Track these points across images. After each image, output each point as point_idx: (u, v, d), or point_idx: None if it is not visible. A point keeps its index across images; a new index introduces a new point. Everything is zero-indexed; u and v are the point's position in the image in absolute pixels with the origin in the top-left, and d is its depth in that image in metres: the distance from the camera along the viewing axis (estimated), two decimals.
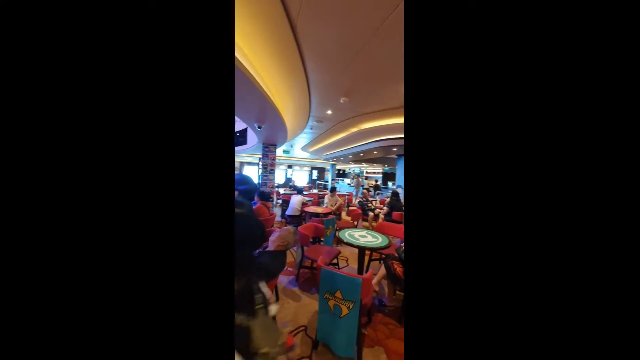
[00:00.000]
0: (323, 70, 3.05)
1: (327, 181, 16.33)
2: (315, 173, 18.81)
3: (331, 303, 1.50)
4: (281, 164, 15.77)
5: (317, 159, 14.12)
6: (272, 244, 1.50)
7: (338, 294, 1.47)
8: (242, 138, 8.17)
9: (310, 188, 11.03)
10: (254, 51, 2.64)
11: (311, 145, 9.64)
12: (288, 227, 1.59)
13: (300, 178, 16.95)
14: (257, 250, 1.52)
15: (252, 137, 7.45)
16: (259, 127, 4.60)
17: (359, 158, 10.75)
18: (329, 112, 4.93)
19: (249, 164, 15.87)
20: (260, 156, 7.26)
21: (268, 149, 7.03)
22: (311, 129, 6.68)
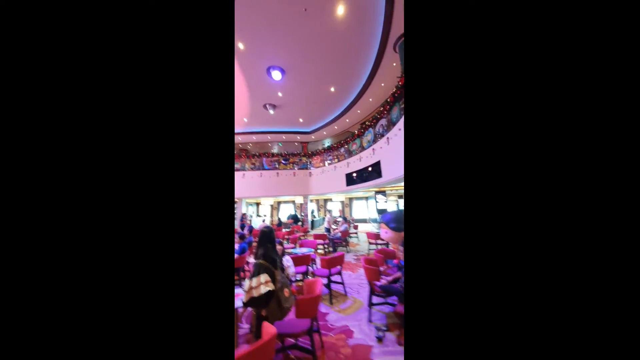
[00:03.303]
0: None
1: None
2: None
3: None
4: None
5: None
6: None
7: None
8: (374, 173, 7.70)
9: None
10: None
11: None
12: None
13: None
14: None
15: (388, 170, 7.08)
16: None
17: None
18: None
19: (358, 199, 15.73)
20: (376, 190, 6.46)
21: None
22: None
